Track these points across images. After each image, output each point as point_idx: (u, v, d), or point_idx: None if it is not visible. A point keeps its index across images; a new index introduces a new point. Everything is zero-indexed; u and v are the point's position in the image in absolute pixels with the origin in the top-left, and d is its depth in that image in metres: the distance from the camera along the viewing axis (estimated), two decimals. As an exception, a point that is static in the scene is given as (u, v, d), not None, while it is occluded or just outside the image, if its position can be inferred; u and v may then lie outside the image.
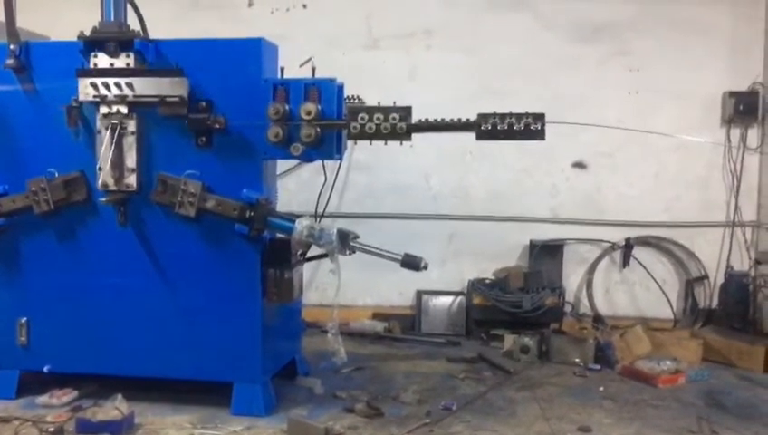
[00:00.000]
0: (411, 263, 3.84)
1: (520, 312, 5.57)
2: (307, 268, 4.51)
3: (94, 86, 3.75)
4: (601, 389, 4.51)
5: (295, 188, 5.75)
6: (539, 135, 3.80)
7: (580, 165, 6.06)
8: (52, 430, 3.52)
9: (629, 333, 5.21)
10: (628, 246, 5.97)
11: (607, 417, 4.03)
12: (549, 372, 4.87)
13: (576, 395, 4.39)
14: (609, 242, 6.04)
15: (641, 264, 6.00)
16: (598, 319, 5.89)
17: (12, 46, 3.90)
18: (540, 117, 3.79)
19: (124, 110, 3.79)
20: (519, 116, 3.79)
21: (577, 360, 5.02)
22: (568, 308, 5.91)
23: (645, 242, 6.01)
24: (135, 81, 3.74)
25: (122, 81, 3.73)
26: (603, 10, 5.94)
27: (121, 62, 3.78)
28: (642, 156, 5.94)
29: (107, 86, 3.74)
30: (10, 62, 3.90)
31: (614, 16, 5.95)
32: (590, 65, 5.97)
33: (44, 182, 3.88)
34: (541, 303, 5.58)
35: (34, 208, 3.90)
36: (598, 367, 4.92)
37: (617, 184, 6.03)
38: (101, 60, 3.79)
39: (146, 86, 3.74)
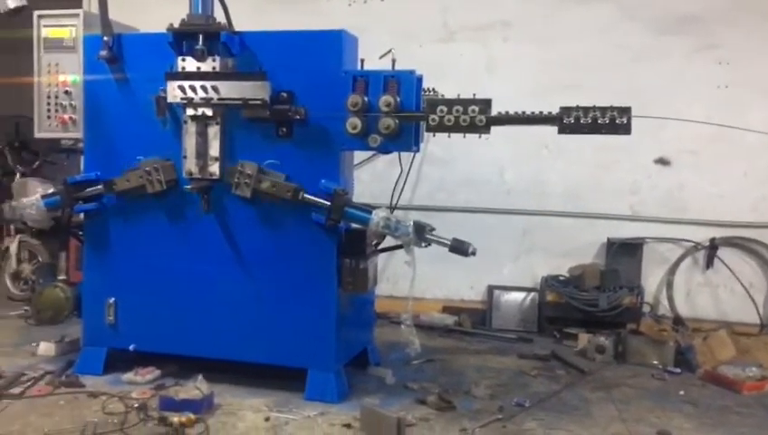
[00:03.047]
0: (459, 248, 3.81)
1: (596, 311, 5.44)
2: (379, 259, 4.53)
3: (182, 89, 3.87)
4: (682, 393, 4.36)
5: (369, 179, 5.78)
6: (624, 129, 3.67)
7: (662, 161, 5.83)
8: (137, 405, 3.67)
9: (713, 336, 5.01)
10: (712, 246, 5.72)
11: (687, 422, 3.89)
12: (625, 373, 4.74)
13: (654, 398, 4.26)
14: (692, 242, 5.81)
15: (726, 265, 5.74)
16: (678, 321, 5.67)
17: (105, 38, 4.08)
18: (626, 110, 3.67)
19: (209, 112, 3.92)
20: (603, 109, 3.68)
21: (655, 362, 4.86)
22: (646, 309, 5.72)
23: (730, 243, 5.75)
24: (220, 84, 3.84)
25: (208, 84, 3.84)
26: (690, 1, 5.70)
27: (207, 66, 3.88)
28: (730, 153, 5.66)
29: (194, 89, 3.86)
30: (104, 53, 4.08)
31: (702, 7, 5.68)
32: (675, 58, 5.73)
33: (158, 163, 4.03)
34: (618, 302, 5.43)
35: (147, 188, 4.05)
36: (678, 371, 4.75)
37: (701, 182, 5.77)
38: (189, 64, 3.90)
39: (230, 90, 3.83)
